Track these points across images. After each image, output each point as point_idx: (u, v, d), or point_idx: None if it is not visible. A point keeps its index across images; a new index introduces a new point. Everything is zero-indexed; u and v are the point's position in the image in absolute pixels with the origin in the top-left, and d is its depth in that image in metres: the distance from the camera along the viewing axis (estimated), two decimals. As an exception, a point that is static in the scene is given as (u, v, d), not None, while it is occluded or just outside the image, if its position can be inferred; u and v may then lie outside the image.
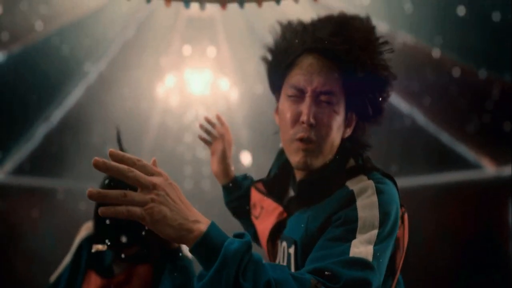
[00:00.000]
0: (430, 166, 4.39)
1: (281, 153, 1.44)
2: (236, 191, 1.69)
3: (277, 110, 1.36)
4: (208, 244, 0.88)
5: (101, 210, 0.84)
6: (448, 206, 4.24)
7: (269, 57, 1.35)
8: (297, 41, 1.26)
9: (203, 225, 0.89)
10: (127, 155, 0.88)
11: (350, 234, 1.07)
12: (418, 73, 4.14)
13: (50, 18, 4.17)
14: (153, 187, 0.87)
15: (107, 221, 1.74)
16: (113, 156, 0.87)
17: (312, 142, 1.21)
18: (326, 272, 0.98)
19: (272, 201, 1.39)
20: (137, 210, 0.85)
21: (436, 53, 4.07)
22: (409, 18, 4.10)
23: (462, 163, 4.30)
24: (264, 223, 1.40)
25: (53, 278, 1.85)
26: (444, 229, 4.16)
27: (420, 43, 4.20)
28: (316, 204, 1.22)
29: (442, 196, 4.33)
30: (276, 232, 1.33)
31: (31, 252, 3.95)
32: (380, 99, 1.26)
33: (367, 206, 1.11)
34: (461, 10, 3.58)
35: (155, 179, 0.88)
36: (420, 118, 4.44)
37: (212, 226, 0.90)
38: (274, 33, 1.34)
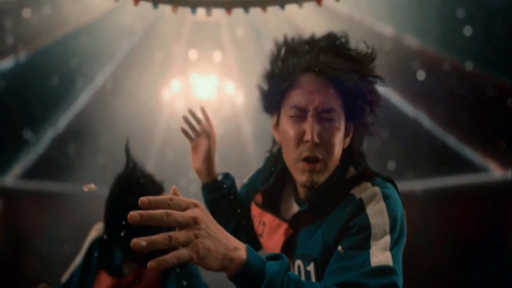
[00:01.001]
0: (436, 169, 4.38)
1: (274, 162, 1.45)
2: (219, 191, 1.62)
3: (275, 127, 1.37)
4: (250, 271, 0.90)
5: (150, 264, 0.84)
6: (454, 210, 4.23)
7: (266, 80, 1.36)
8: (294, 62, 1.28)
9: (242, 252, 0.90)
10: (158, 198, 0.86)
11: (366, 242, 1.12)
12: (423, 76, 4.14)
13: (57, 24, 4.21)
14: (194, 222, 0.86)
15: (117, 222, 1.77)
16: (145, 205, 0.85)
17: (318, 161, 1.24)
18: (355, 286, 1.05)
19: (273, 217, 1.38)
20: (184, 253, 0.84)
21: (442, 56, 4.07)
22: (415, 21, 4.11)
23: (468, 166, 4.29)
24: (271, 242, 1.38)
25: (64, 278, 1.89)
26: (450, 233, 4.14)
27: (425, 47, 4.21)
28: (327, 216, 1.24)
29: (448, 199, 4.32)
30: (287, 251, 1.30)
31: (39, 255, 3.98)
32: (374, 106, 1.31)
33: (376, 212, 1.16)
34: (463, 13, 3.59)
35: (193, 213, 0.87)
36: (426, 121, 4.44)
37: (249, 251, 0.92)
38: (270, 55, 1.36)
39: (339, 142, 1.26)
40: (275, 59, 1.34)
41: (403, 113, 4.51)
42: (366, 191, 1.21)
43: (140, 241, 0.83)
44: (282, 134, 1.31)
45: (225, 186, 1.62)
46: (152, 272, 1.86)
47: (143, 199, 0.84)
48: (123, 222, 1.80)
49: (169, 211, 0.84)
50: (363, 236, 1.13)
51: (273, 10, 2.25)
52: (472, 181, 4.29)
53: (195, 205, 0.89)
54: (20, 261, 4.10)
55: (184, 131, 1.66)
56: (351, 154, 1.33)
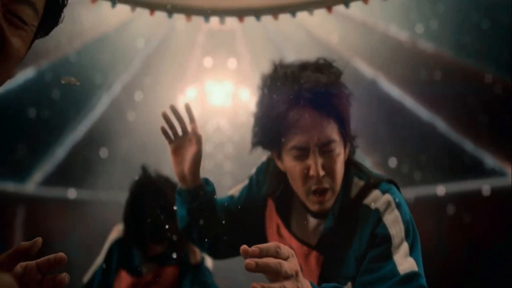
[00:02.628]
0: (453, 173, 4.34)
1: (276, 173, 1.44)
2: (203, 196, 1.49)
3: (277, 158, 1.39)
4: None
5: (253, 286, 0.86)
6: (471, 214, 4.18)
7: (258, 119, 1.38)
8: (283, 100, 1.30)
9: None
10: (268, 247, 0.88)
11: (388, 252, 1.19)
12: (438, 80, 4.12)
13: (76, 34, 4.30)
14: (296, 274, 0.90)
15: (136, 223, 1.83)
16: (256, 254, 0.86)
17: (326, 191, 1.29)
18: None
19: (301, 244, 1.38)
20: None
21: (457, 60, 4.05)
22: (429, 25, 4.10)
23: (485, 171, 4.25)
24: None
25: (86, 278, 1.96)
26: (468, 237, 4.10)
27: (440, 51, 4.19)
28: (351, 234, 1.29)
29: (465, 204, 4.28)
30: (327, 279, 1.32)
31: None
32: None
33: (393, 222, 1.23)
34: (480, 20, 3.57)
35: (296, 266, 0.91)
36: (441, 125, 4.41)
37: (312, 285, 0.97)
38: (259, 96, 1.38)
39: (341, 165, 1.31)
40: (263, 99, 1.36)
41: (418, 117, 4.49)
42: (379, 200, 1.26)
43: (252, 262, 0.85)
44: (288, 169, 1.35)
45: (208, 191, 1.51)
46: (170, 273, 1.92)
47: (254, 249, 0.87)
48: (142, 224, 1.87)
49: (281, 261, 0.87)
50: (385, 247, 1.19)
51: (287, 16, 2.27)
52: (489, 185, 4.25)
53: (292, 254, 0.93)
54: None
55: (164, 131, 1.48)
56: (349, 165, 1.37)
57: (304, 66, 1.35)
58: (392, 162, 4.44)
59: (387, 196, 1.26)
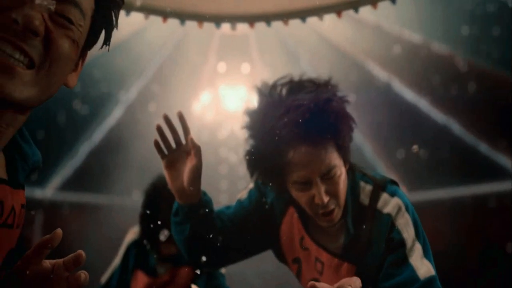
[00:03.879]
0: (468, 176, 4.30)
1: (282, 191, 1.42)
2: (203, 209, 1.42)
3: (279, 188, 1.40)
4: None
5: None
6: (486, 218, 4.13)
7: (255, 159, 1.37)
8: (278, 138, 1.30)
9: None
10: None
11: (405, 256, 1.25)
12: (453, 83, 4.09)
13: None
14: None
15: (152, 225, 1.87)
16: None
17: (333, 211, 1.32)
18: None
19: (330, 255, 1.39)
20: None
21: (473, 62, 4.02)
22: (443, 27, 4.08)
23: (501, 173, 4.20)
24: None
25: (104, 278, 2.02)
26: (484, 241, 4.05)
27: (454, 54, 4.16)
28: (370, 239, 1.33)
29: (480, 206, 4.23)
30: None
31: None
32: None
33: (405, 225, 1.28)
34: (492, 18, 3.54)
35: None
36: (456, 128, 4.37)
37: None
38: (252, 129, 1.37)
39: (343, 183, 1.33)
40: (256, 133, 1.35)
41: (433, 120, 4.45)
42: (388, 204, 1.30)
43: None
44: (296, 199, 1.37)
45: (208, 204, 1.45)
46: (184, 273, 1.97)
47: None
48: (157, 225, 1.92)
49: None
50: (401, 251, 1.25)
51: (298, 20, 2.28)
52: (504, 188, 4.19)
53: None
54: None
55: (156, 145, 1.40)
56: (352, 171, 1.39)
57: (292, 90, 1.33)
58: (406, 165, 4.41)
59: (397, 200, 1.30)
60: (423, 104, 4.51)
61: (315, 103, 1.27)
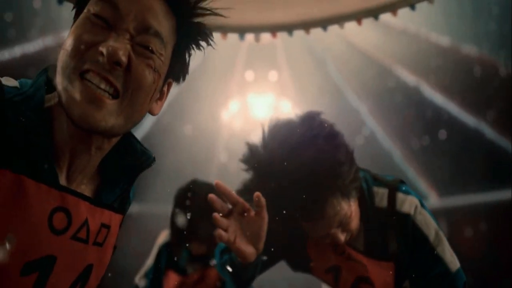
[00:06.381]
0: (501, 181, 4.20)
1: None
2: (255, 267, 1.29)
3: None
4: None
5: None
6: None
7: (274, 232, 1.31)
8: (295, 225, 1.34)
9: None
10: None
11: (432, 250, 1.32)
12: (483, 86, 4.03)
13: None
14: None
15: (181, 228, 1.97)
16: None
17: (344, 242, 1.36)
18: None
19: (376, 261, 1.42)
20: None
21: (500, 64, 3.95)
22: (472, 29, 4.03)
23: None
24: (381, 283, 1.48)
25: (137, 279, 2.13)
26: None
27: (484, 56, 4.10)
28: (395, 239, 1.39)
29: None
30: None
31: (112, 267, 4.20)
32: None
33: (425, 221, 1.35)
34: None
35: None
36: (488, 131, 4.29)
37: None
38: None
39: (355, 214, 1.34)
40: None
41: (463, 123, 4.38)
42: (405, 203, 1.35)
43: None
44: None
45: (259, 258, 1.32)
46: (214, 274, 2.04)
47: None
48: (187, 227, 1.99)
49: None
50: (428, 247, 1.32)
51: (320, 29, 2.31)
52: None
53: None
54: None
55: (218, 221, 1.18)
56: (363, 180, 1.40)
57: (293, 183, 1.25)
58: (437, 169, 4.34)
59: (412, 198, 1.36)
60: (453, 107, 4.45)
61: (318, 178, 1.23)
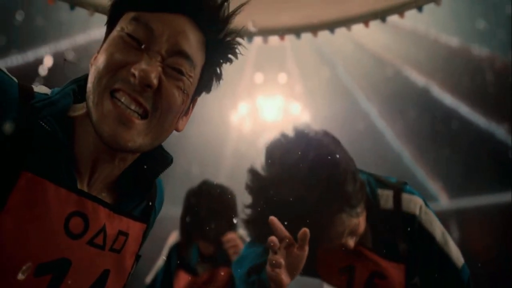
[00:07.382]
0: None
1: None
2: None
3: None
4: None
5: None
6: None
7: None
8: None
9: None
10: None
11: (440, 249, 1.36)
12: (493, 86, 4.00)
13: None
14: None
15: (191, 229, 2.00)
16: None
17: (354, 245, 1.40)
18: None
19: (389, 262, 1.44)
20: None
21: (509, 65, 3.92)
22: (481, 29, 4.00)
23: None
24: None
25: (149, 279, 2.16)
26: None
27: (494, 56, 4.07)
28: (403, 240, 1.42)
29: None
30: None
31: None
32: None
33: (430, 220, 1.38)
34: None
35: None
36: (500, 132, 4.26)
37: None
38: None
39: (362, 219, 1.36)
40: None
41: (474, 125, 4.36)
42: (410, 203, 1.38)
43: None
44: None
45: None
46: (224, 273, 2.06)
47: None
48: (196, 227, 2.01)
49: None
50: (435, 246, 1.36)
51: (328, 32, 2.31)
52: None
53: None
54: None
55: (275, 245, 1.19)
56: (367, 183, 1.41)
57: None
58: (447, 171, 4.32)
59: (416, 199, 1.39)
60: (463, 108, 4.42)
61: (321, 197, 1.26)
